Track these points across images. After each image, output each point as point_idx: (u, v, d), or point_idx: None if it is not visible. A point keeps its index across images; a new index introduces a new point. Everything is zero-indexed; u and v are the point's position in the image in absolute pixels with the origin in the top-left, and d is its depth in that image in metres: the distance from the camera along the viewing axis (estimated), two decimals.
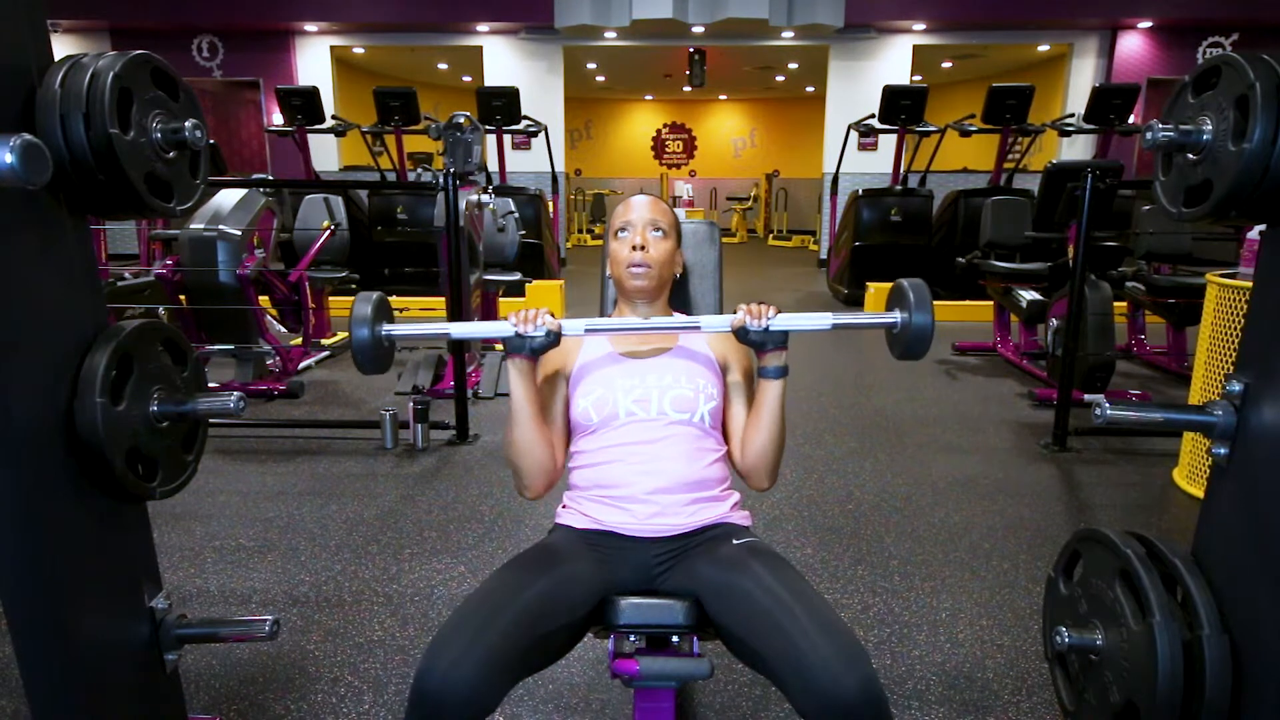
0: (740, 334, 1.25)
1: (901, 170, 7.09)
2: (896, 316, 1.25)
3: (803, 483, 2.89)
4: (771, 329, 1.23)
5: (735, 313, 1.25)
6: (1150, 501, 2.75)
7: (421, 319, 5.89)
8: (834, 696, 0.93)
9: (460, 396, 3.35)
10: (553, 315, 1.25)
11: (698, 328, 1.29)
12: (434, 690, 0.94)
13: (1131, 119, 6.55)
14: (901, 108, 6.73)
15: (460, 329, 1.35)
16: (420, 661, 0.97)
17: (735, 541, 1.19)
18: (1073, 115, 7.41)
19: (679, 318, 1.37)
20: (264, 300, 4.16)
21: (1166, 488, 2.87)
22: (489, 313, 4.64)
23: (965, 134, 6.65)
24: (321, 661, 1.80)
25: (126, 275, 4.65)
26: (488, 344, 4.64)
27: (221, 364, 4.30)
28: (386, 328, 1.27)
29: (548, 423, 1.32)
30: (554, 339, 1.24)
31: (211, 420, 1.80)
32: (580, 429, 1.33)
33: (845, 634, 0.99)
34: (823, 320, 1.26)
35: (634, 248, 1.36)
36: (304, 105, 6.81)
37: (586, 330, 1.27)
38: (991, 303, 5.03)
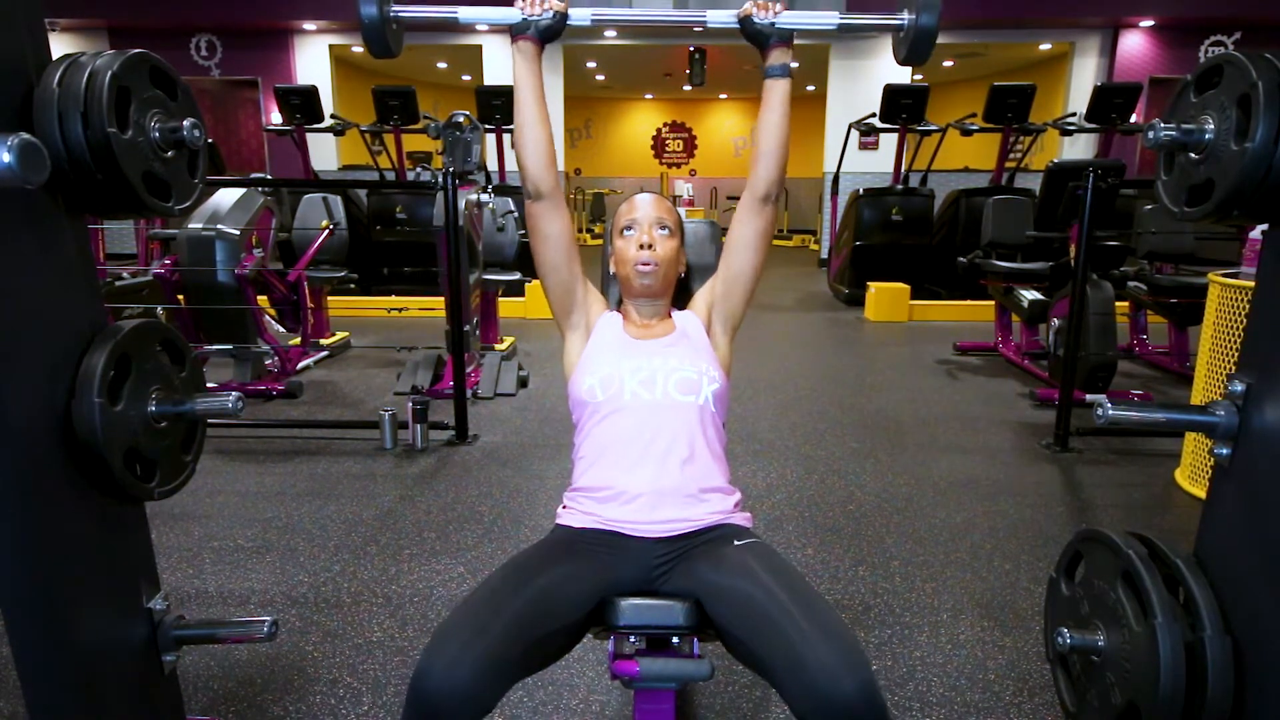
0: (746, 24, 1.29)
1: (902, 169, 7.09)
2: (904, 18, 1.26)
3: (803, 483, 2.88)
4: (778, 25, 1.27)
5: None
6: (1152, 502, 2.75)
7: (426, 315, 5.89)
8: (833, 700, 0.92)
9: (459, 397, 3.34)
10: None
11: (704, 20, 1.30)
12: (432, 690, 0.93)
13: (1133, 118, 6.55)
14: (902, 107, 6.73)
15: (467, 12, 1.32)
16: (418, 661, 0.97)
17: (737, 543, 1.18)
18: (1074, 114, 7.40)
19: (684, 12, 1.37)
20: (262, 300, 4.15)
21: (1168, 488, 2.86)
22: (489, 312, 4.64)
23: (966, 133, 6.64)
24: (320, 663, 1.79)
25: (125, 275, 4.64)
26: (487, 343, 4.63)
27: (220, 364, 4.30)
28: (394, 7, 1.27)
29: (558, 234, 1.36)
30: (560, 20, 1.27)
31: (210, 420, 1.79)
32: (583, 407, 1.33)
33: (845, 637, 0.99)
34: (828, 19, 1.29)
35: (641, 246, 1.37)
36: (303, 104, 6.80)
37: (594, 19, 1.29)
38: (993, 302, 5.03)
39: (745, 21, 1.27)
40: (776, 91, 1.31)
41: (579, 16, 1.28)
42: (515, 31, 1.27)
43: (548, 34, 1.28)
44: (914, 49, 1.26)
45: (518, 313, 6.28)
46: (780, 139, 1.32)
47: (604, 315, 1.43)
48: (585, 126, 15.97)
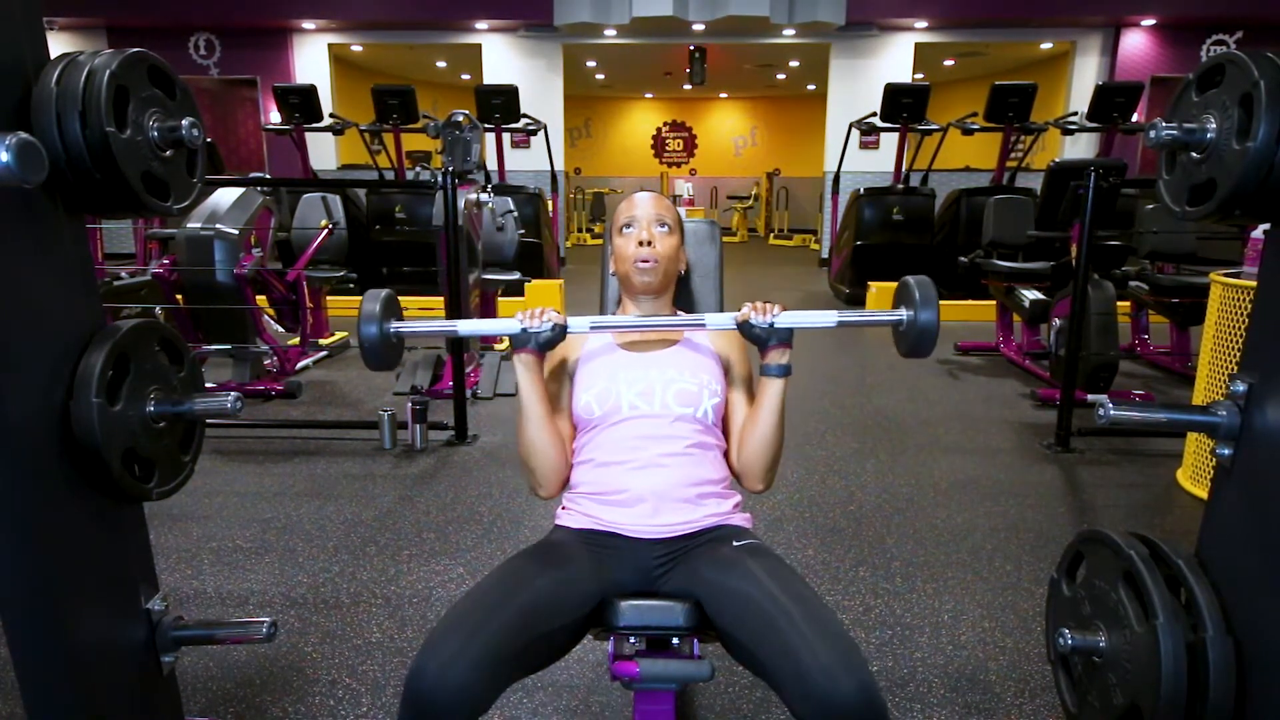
0: (744, 329, 1.26)
1: (903, 169, 7.08)
2: (902, 314, 1.25)
3: (804, 483, 2.88)
4: (776, 325, 1.24)
5: (740, 309, 1.26)
6: (1154, 502, 2.74)
7: (425, 318, 5.88)
8: (832, 701, 0.92)
9: (459, 397, 3.34)
10: (558, 313, 1.27)
11: (702, 325, 1.29)
12: (427, 689, 0.93)
13: (1135, 117, 6.54)
14: (903, 106, 6.72)
15: (467, 325, 1.34)
16: (414, 659, 0.96)
17: (736, 543, 1.18)
18: (1076, 113, 7.40)
19: (683, 316, 1.36)
20: (261, 300, 4.15)
21: (1170, 488, 2.86)
22: (488, 312, 4.64)
23: (967, 132, 6.63)
24: (319, 664, 1.79)
25: (123, 274, 4.63)
26: (486, 343, 4.63)
27: (219, 364, 4.29)
28: (394, 325, 1.28)
29: (557, 415, 1.33)
30: (560, 333, 1.26)
31: (209, 421, 1.79)
32: (582, 423, 1.32)
33: (844, 639, 0.98)
34: (827, 318, 1.27)
35: (640, 243, 1.36)
36: (302, 103, 6.79)
37: (592, 327, 1.28)
38: (994, 302, 5.02)
39: (743, 325, 1.26)
40: (769, 392, 1.26)
41: (577, 326, 1.28)
42: (515, 345, 1.26)
43: (547, 346, 1.26)
44: (915, 344, 1.24)
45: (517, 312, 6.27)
46: (770, 442, 1.27)
47: (588, 339, 1.40)
48: (585, 125, 15.97)
